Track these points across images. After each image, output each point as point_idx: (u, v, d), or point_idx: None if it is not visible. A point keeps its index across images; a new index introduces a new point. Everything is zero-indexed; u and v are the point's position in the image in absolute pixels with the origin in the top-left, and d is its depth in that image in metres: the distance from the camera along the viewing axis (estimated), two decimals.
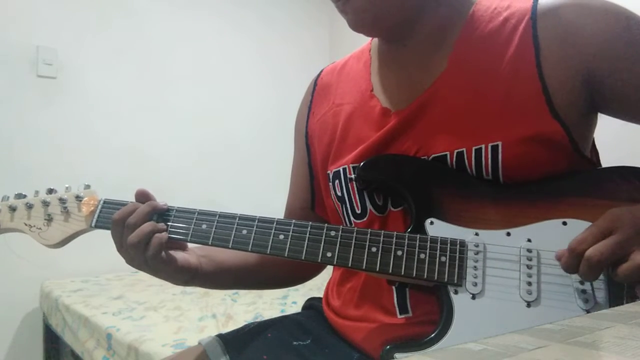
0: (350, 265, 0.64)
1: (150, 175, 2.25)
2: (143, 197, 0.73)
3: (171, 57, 2.46)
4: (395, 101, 0.72)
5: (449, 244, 0.62)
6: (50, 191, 0.78)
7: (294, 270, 0.88)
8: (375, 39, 0.82)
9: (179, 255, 0.72)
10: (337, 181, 0.75)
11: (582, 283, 0.57)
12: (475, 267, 0.61)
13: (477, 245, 0.61)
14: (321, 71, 0.90)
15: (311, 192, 0.87)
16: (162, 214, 0.72)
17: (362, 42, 0.86)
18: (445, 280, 0.61)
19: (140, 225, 0.69)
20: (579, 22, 0.63)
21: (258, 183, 2.62)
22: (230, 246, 0.69)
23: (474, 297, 0.60)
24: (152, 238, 0.68)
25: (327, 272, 0.91)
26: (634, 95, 0.63)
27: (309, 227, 0.67)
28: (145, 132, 2.36)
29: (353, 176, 0.72)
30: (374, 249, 0.63)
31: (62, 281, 2.03)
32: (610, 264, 0.53)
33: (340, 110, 0.79)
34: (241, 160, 2.64)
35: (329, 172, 0.78)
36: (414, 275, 0.61)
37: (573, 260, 0.54)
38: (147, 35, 2.40)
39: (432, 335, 0.60)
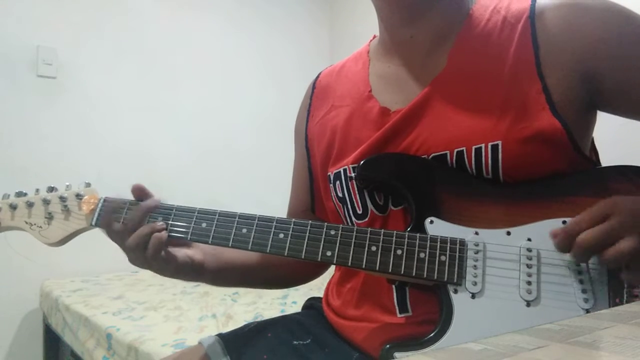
0: (350, 264, 0.64)
1: (150, 175, 2.24)
2: (139, 192, 0.74)
3: (171, 57, 2.46)
4: (395, 100, 0.72)
5: (448, 243, 0.62)
6: (51, 189, 0.78)
7: (298, 269, 0.88)
8: (375, 40, 0.82)
9: (180, 253, 0.73)
10: (337, 182, 0.75)
11: (582, 282, 0.57)
12: (475, 266, 0.60)
13: (477, 245, 0.61)
14: (319, 73, 0.90)
15: (311, 195, 0.87)
16: (163, 213, 0.72)
17: (362, 42, 0.86)
18: (445, 279, 0.60)
19: (137, 228, 0.70)
20: (577, 21, 0.63)
21: (258, 182, 2.62)
22: (230, 245, 0.69)
23: (473, 296, 0.60)
24: (150, 238, 0.69)
25: (328, 272, 0.91)
26: (633, 93, 0.63)
27: (309, 226, 0.66)
28: (145, 132, 2.36)
29: (353, 175, 0.72)
30: (373, 248, 0.63)
31: (62, 281, 2.02)
32: (599, 249, 0.54)
33: (339, 112, 0.79)
34: (241, 159, 2.64)
35: (329, 173, 0.77)
36: (414, 274, 0.61)
37: (566, 241, 0.56)
38: (147, 34, 2.40)
39: (432, 334, 0.59)
